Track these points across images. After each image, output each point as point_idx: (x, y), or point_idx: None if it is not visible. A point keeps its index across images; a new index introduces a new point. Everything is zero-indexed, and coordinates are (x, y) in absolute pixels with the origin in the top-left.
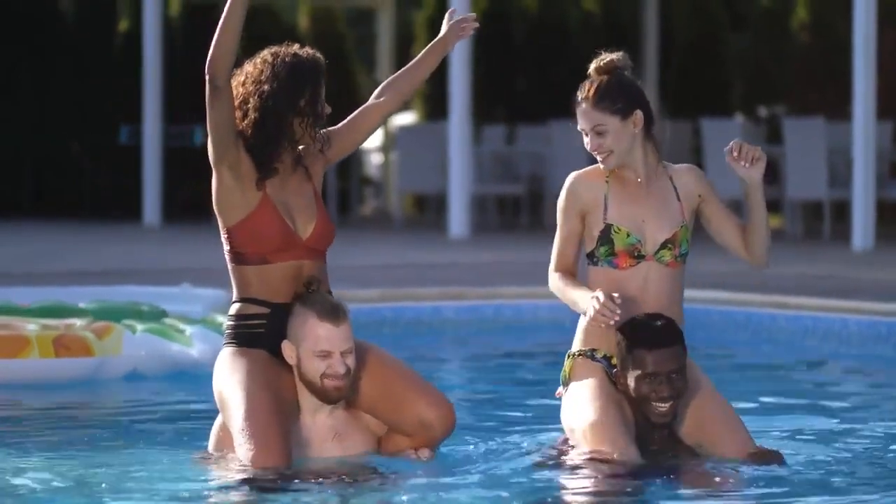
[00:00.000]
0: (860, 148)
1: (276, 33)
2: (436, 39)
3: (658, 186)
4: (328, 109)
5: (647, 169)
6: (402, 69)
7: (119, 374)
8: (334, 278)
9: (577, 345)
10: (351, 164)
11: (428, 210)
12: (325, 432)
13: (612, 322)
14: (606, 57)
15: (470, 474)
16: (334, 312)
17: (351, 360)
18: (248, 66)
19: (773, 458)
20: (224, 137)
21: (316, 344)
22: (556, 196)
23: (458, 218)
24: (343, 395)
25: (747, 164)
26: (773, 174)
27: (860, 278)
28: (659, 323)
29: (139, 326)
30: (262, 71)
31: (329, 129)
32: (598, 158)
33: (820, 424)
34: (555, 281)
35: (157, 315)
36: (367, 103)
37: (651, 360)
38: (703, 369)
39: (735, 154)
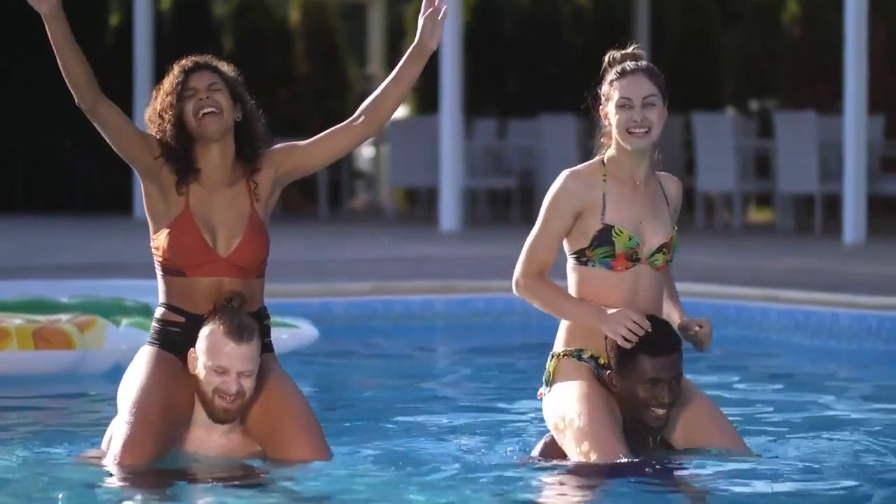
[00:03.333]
0: (851, 142)
1: (268, 28)
2: (412, 46)
3: (651, 190)
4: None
5: (646, 171)
6: (382, 84)
7: (102, 369)
8: (325, 272)
9: (560, 345)
10: (342, 158)
11: (419, 204)
12: (216, 451)
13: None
14: (630, 47)
15: (450, 468)
16: (239, 331)
17: (247, 384)
18: (165, 80)
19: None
20: (124, 152)
21: (215, 358)
22: (547, 190)
23: (449, 211)
24: (230, 419)
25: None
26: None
27: (851, 272)
28: (661, 328)
29: (124, 321)
30: (168, 83)
31: (291, 143)
32: (635, 134)
33: (811, 418)
34: (533, 285)
35: (141, 310)
36: (340, 124)
37: (655, 366)
38: (692, 361)
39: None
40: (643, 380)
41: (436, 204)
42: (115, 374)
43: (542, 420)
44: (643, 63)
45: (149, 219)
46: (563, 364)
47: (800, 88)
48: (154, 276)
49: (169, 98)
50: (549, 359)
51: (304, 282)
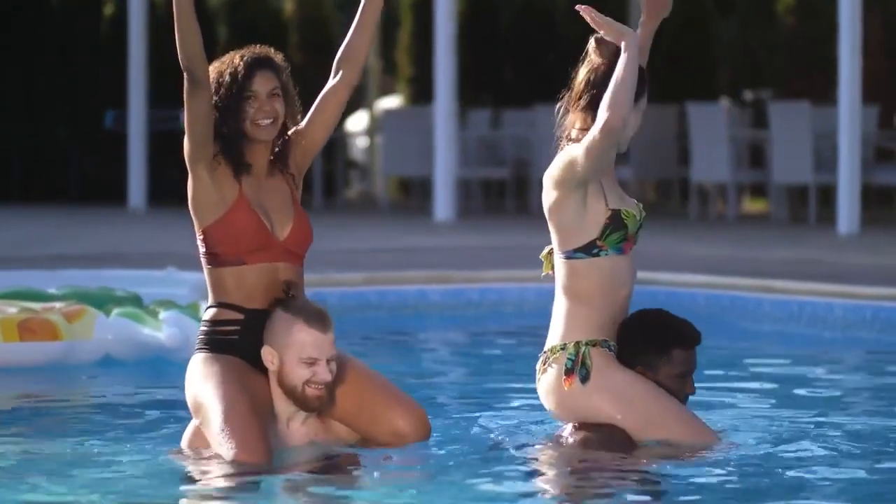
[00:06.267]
0: (846, 132)
1: (262, 19)
2: None
3: None
4: (277, 109)
5: None
6: (347, 38)
7: (91, 359)
8: (319, 262)
9: (582, 332)
10: (336, 148)
11: (413, 194)
12: (300, 440)
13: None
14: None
15: (456, 463)
16: (322, 319)
17: (334, 368)
18: (215, 64)
19: None
20: (203, 134)
21: (302, 350)
22: (542, 180)
23: (443, 202)
24: (322, 405)
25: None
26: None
27: (845, 262)
28: (684, 321)
29: (115, 310)
30: (220, 71)
31: (292, 131)
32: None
33: (805, 408)
34: (610, 94)
35: (131, 300)
36: (323, 91)
37: (686, 360)
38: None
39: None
40: (674, 374)
41: (430, 194)
42: (110, 363)
43: (533, 409)
44: None
45: (196, 216)
46: (598, 353)
47: (794, 78)
48: (150, 267)
49: (224, 90)
50: (571, 347)
51: None
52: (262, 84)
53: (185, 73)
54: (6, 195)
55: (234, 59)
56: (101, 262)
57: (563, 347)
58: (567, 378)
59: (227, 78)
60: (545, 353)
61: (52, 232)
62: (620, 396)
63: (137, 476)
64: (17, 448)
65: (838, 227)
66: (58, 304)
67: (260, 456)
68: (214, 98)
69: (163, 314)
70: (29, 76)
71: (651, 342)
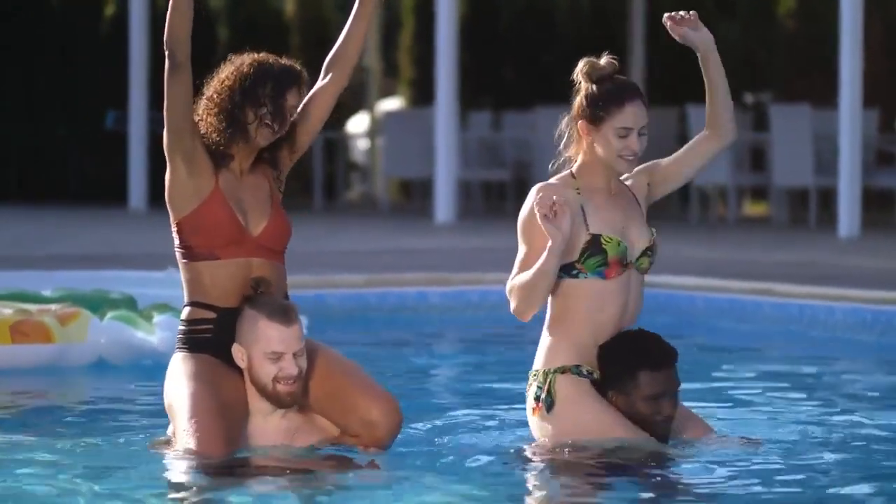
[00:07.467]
0: (846, 135)
1: (263, 19)
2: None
3: (623, 195)
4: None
5: (616, 179)
6: (343, 33)
7: (85, 362)
8: (319, 263)
9: (553, 360)
10: (337, 150)
11: (414, 195)
12: (279, 434)
13: (553, 207)
14: (604, 58)
15: (447, 461)
16: (285, 313)
17: (303, 362)
18: (226, 66)
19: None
20: (180, 121)
21: (267, 345)
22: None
23: (443, 203)
24: (295, 400)
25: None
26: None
27: (846, 266)
28: (656, 342)
29: (109, 313)
30: (234, 68)
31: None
32: (628, 160)
33: (805, 412)
34: (511, 287)
35: (126, 302)
36: (312, 91)
37: (655, 382)
38: (687, 354)
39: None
40: (644, 396)
41: (430, 196)
42: (103, 366)
43: None
44: (635, 85)
45: (171, 207)
46: (565, 381)
47: (795, 81)
48: (149, 268)
49: (273, 75)
50: (540, 375)
51: (298, 273)
52: (294, 99)
53: (167, 55)
54: (6, 194)
55: (283, 60)
56: (101, 263)
57: (536, 375)
58: (535, 406)
59: (275, 66)
60: (528, 375)
61: (52, 232)
62: (581, 428)
63: (124, 471)
64: (9, 448)
65: (839, 231)
66: (52, 307)
67: (218, 452)
68: (216, 101)
69: (156, 318)
70: (29, 76)
71: (618, 366)
